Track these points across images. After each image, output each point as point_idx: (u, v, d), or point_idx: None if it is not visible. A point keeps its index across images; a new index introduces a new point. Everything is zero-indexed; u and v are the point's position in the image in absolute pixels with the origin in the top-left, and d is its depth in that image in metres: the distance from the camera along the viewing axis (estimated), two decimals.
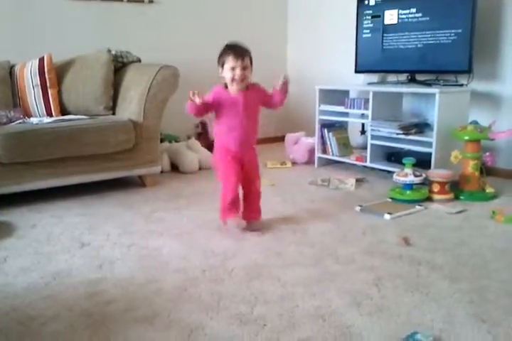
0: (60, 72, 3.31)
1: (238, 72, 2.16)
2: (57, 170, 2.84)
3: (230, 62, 2.16)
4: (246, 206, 2.36)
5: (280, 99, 2.30)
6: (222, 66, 2.21)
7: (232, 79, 2.17)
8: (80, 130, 2.85)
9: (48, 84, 3.20)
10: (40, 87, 3.18)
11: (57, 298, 1.69)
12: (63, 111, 3.25)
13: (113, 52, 3.38)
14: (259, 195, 2.39)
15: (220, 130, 2.31)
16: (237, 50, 2.18)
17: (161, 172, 3.34)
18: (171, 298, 1.68)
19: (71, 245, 2.19)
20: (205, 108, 2.23)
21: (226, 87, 2.23)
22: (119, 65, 3.40)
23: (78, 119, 2.98)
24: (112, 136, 2.94)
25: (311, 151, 3.75)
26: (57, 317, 1.56)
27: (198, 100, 2.16)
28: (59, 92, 3.26)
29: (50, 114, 3.18)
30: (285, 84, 2.25)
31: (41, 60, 3.21)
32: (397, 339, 1.41)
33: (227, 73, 2.18)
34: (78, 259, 2.03)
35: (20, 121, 2.94)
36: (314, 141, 3.73)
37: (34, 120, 2.95)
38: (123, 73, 3.34)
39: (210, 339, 1.43)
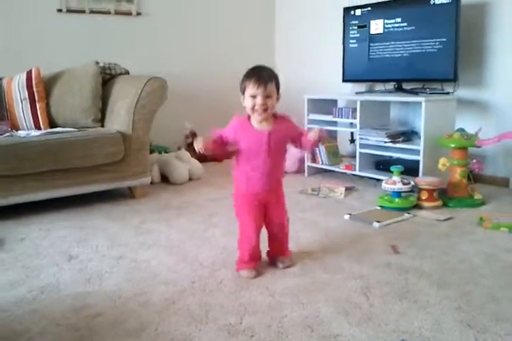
0: (48, 85, 3.31)
1: (260, 101, 1.81)
2: (46, 183, 2.83)
3: (250, 88, 1.83)
4: (274, 247, 2.07)
5: (310, 147, 1.97)
6: (244, 93, 1.87)
7: (253, 109, 1.84)
8: (68, 143, 2.85)
9: (36, 98, 3.20)
10: (28, 100, 3.18)
11: (44, 312, 1.68)
12: (51, 124, 3.25)
13: (101, 65, 3.40)
14: (288, 234, 2.07)
15: (240, 171, 1.94)
16: (260, 75, 1.83)
17: (151, 183, 3.33)
18: (159, 311, 1.67)
19: (59, 258, 2.18)
20: (222, 146, 1.93)
21: (249, 118, 1.90)
22: (107, 77, 3.41)
23: (66, 132, 2.98)
24: (100, 148, 2.94)
25: (301, 160, 3.77)
26: (45, 332, 1.55)
27: (200, 147, 1.89)
28: (47, 105, 3.26)
29: (38, 127, 3.18)
30: (319, 138, 1.91)
31: (29, 73, 3.22)
32: None
33: (247, 102, 1.85)
34: (66, 272, 2.02)
35: (8, 134, 2.93)
36: None
37: (22, 133, 2.94)
38: (111, 85, 3.34)
39: None
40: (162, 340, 1.49)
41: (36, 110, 3.19)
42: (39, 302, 1.76)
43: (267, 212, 1.98)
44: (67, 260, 2.16)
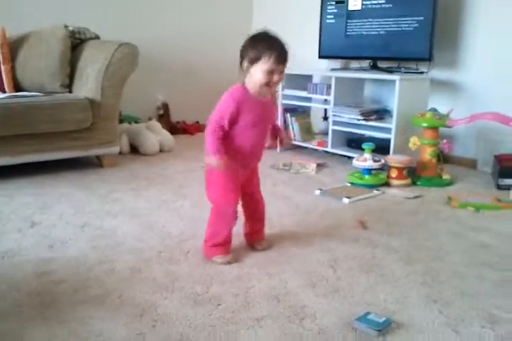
0: (14, 47, 3.18)
1: (277, 77, 1.65)
2: (10, 148, 2.74)
3: (270, 63, 1.62)
4: (254, 227, 1.94)
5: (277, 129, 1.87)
6: (253, 63, 1.65)
7: (267, 85, 1.67)
8: (33, 107, 2.75)
9: (0, 59, 3.06)
10: None
11: (4, 277, 1.63)
12: (17, 87, 3.13)
13: (70, 28, 3.26)
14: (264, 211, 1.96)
15: (231, 145, 1.73)
16: (283, 50, 1.66)
17: (120, 153, 3.27)
18: (124, 279, 1.64)
19: (22, 225, 2.12)
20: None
21: (245, 88, 1.72)
22: (77, 42, 3.28)
23: (32, 96, 2.87)
24: (67, 114, 2.85)
25: None
26: (4, 297, 1.50)
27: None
28: (12, 68, 3.13)
29: (2, 90, 3.05)
30: (285, 139, 1.89)
31: None
32: (350, 320, 1.41)
33: (259, 75, 1.64)
34: (29, 239, 1.96)
35: None
36: None
37: None
38: (80, 50, 3.22)
39: (163, 319, 1.40)
40: (126, 307, 1.46)
41: (1, 72, 3.06)
42: None
43: (247, 188, 1.85)
44: (30, 226, 2.10)
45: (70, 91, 3.14)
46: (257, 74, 1.65)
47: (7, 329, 1.36)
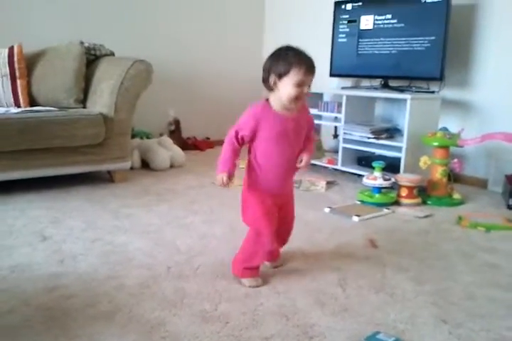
0: (30, 62, 3.24)
1: (306, 90, 1.62)
2: (23, 162, 2.77)
3: (299, 75, 1.60)
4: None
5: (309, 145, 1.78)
6: (281, 77, 1.62)
7: (296, 98, 1.62)
8: (48, 122, 2.79)
9: (17, 74, 3.12)
10: (8, 76, 3.10)
11: (14, 291, 1.64)
12: (32, 102, 3.17)
13: (86, 45, 3.32)
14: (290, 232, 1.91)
15: (259, 161, 1.71)
16: (311, 63, 1.64)
17: (131, 168, 3.29)
18: (133, 294, 1.64)
19: (33, 239, 2.13)
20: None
21: (268, 104, 1.68)
22: (92, 58, 3.34)
23: (47, 111, 2.91)
24: (81, 129, 2.88)
25: None
26: (13, 311, 1.51)
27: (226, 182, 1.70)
28: (28, 83, 3.18)
29: (18, 105, 3.10)
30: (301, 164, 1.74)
31: (11, 50, 3.13)
32: (360, 339, 1.40)
33: (287, 88, 1.60)
34: (39, 253, 1.98)
35: None
36: None
37: (1, 110, 2.87)
38: (95, 66, 3.28)
39: (172, 336, 1.40)
40: (135, 324, 1.46)
41: (17, 87, 3.11)
42: (9, 281, 1.72)
43: (281, 213, 1.79)
44: (41, 241, 2.11)
45: (85, 107, 3.19)
46: (286, 87, 1.61)
47: None
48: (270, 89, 1.65)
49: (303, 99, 1.65)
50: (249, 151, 1.74)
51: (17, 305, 1.55)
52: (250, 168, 1.74)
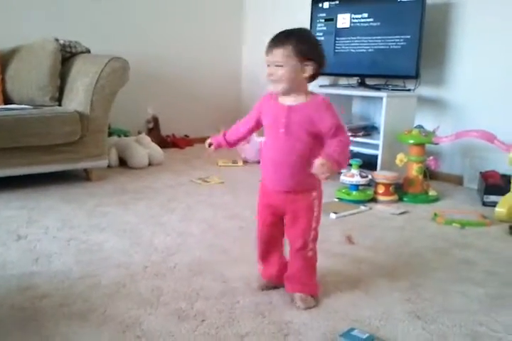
0: (4, 59, 3.19)
1: (269, 69, 1.51)
2: None
3: (265, 55, 1.52)
4: (287, 272, 1.67)
5: (334, 151, 1.48)
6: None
7: (271, 80, 1.52)
8: (22, 120, 2.75)
9: None
10: None
11: None
12: (6, 100, 3.13)
13: (61, 42, 3.27)
14: (309, 265, 1.64)
15: (262, 152, 1.66)
16: (273, 39, 1.52)
17: (108, 166, 3.26)
18: (109, 294, 1.63)
19: (7, 238, 2.10)
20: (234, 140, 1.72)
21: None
22: (67, 55, 3.29)
23: (21, 109, 2.87)
24: (56, 127, 2.85)
25: (261, 150, 3.74)
26: None
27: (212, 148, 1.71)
28: (2, 81, 3.14)
29: None
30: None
31: None
32: (334, 335, 1.42)
33: None
34: (13, 252, 1.95)
35: None
36: None
37: None
38: (71, 63, 3.23)
39: (147, 335, 1.39)
40: (110, 323, 1.45)
41: None
42: None
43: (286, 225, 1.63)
44: (15, 240, 2.08)
45: (60, 105, 3.15)
46: None
47: None
48: None
49: (279, 81, 1.49)
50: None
51: None
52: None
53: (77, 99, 3.03)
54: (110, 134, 3.54)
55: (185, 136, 4.44)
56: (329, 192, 2.96)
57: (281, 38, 1.50)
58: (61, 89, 3.19)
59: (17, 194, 2.76)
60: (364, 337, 1.39)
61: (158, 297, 1.62)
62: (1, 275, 1.74)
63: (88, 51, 3.41)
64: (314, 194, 1.62)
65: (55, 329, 1.41)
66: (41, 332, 1.39)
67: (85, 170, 3.14)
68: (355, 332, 1.41)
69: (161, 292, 1.65)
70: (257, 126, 1.65)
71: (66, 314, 1.50)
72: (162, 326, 1.44)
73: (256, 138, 3.83)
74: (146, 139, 3.74)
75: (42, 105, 3.06)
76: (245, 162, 3.78)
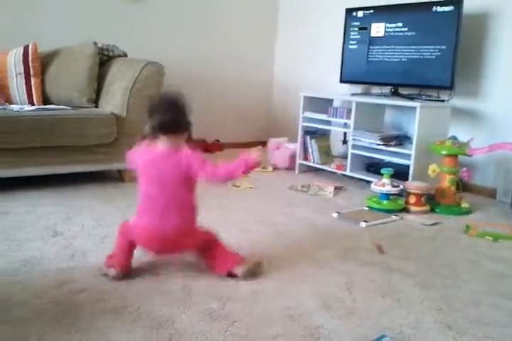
0: (45, 61, 3.28)
1: None
2: (34, 159, 2.80)
3: None
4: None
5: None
6: None
7: None
8: (61, 120, 2.83)
9: (31, 73, 3.16)
10: (23, 74, 3.15)
11: (26, 284, 1.66)
12: (45, 100, 3.22)
13: (99, 45, 3.36)
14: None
15: None
16: None
17: None
18: (143, 291, 1.66)
19: (44, 234, 2.16)
20: None
21: None
22: (105, 59, 3.38)
23: (60, 109, 2.95)
24: (93, 128, 2.92)
25: (293, 157, 3.77)
26: (25, 304, 1.54)
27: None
28: (42, 82, 3.23)
29: (31, 103, 3.15)
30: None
31: (26, 49, 3.18)
32: None
33: None
34: (50, 248, 2.00)
35: (1, 107, 2.89)
36: (296, 147, 3.75)
37: (15, 107, 2.91)
38: (108, 67, 3.31)
39: (179, 333, 1.42)
40: (144, 320, 1.48)
41: (31, 85, 3.16)
42: (21, 274, 1.75)
43: None
44: (52, 236, 2.14)
45: (97, 107, 3.22)
46: None
47: (28, 334, 1.39)
48: None
49: None
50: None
51: (29, 298, 1.57)
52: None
53: (113, 101, 3.10)
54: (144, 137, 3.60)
55: (216, 140, 4.48)
56: (358, 201, 2.96)
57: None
58: (98, 92, 3.26)
59: (53, 192, 2.83)
60: None
61: (190, 296, 1.64)
62: (39, 270, 1.79)
63: (125, 55, 3.49)
64: None
65: (90, 323, 1.45)
66: (78, 326, 1.43)
67: (119, 171, 3.20)
68: (386, 339, 1.41)
69: (193, 291, 1.68)
70: None
71: (101, 309, 1.53)
72: (194, 325, 1.47)
73: (287, 145, 3.85)
74: None
75: (79, 106, 3.13)
76: (275, 168, 3.79)
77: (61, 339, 1.36)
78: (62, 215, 2.43)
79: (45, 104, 3.14)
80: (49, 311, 1.50)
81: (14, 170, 2.75)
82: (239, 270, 1.78)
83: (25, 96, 3.15)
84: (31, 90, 3.16)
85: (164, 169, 1.72)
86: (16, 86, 3.14)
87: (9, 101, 3.11)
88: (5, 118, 2.68)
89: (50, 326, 1.42)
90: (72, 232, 2.20)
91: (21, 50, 3.18)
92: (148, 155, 1.76)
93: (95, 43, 3.34)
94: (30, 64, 3.16)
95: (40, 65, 3.20)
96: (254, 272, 1.81)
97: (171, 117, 1.73)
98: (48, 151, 2.83)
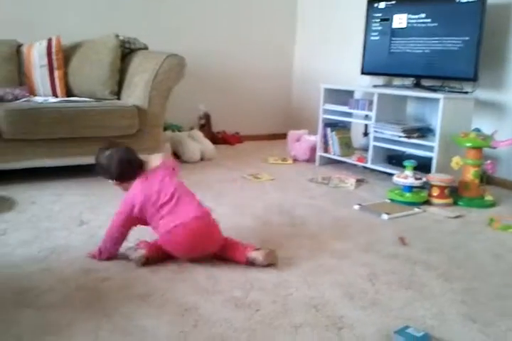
0: (68, 54, 3.32)
1: None
2: (58, 150, 2.85)
3: None
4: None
5: None
6: None
7: None
8: (84, 112, 2.86)
9: (54, 65, 3.20)
10: (47, 67, 3.19)
11: (53, 271, 1.70)
12: (68, 93, 3.25)
13: (121, 38, 3.38)
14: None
15: None
16: None
17: None
18: (167, 279, 1.69)
19: (70, 223, 2.21)
20: None
21: None
22: (127, 51, 3.40)
23: (83, 101, 2.99)
24: (115, 120, 2.95)
25: (313, 149, 3.76)
26: (53, 290, 1.57)
27: None
28: (65, 74, 3.26)
29: (55, 95, 3.19)
30: None
31: (49, 41, 3.22)
32: (389, 332, 1.42)
33: None
34: (76, 236, 2.05)
35: (26, 99, 2.94)
36: (316, 139, 3.74)
37: (39, 99, 2.95)
38: (129, 59, 3.34)
39: (204, 319, 1.44)
40: (169, 306, 1.50)
41: (54, 77, 3.20)
42: (49, 262, 1.79)
43: None
44: (78, 225, 2.18)
45: (119, 99, 3.25)
46: None
47: (57, 319, 1.42)
48: None
49: None
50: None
51: (57, 285, 1.61)
52: None
53: (135, 94, 3.12)
54: (165, 129, 3.63)
55: (236, 133, 4.49)
56: (380, 193, 2.95)
57: None
58: (120, 84, 3.29)
59: (77, 182, 2.87)
60: (419, 335, 1.39)
61: (214, 285, 1.66)
62: (66, 258, 1.83)
63: (146, 48, 3.51)
64: None
65: (116, 309, 1.48)
66: (104, 312, 1.46)
67: None
68: (410, 330, 1.41)
69: (216, 280, 1.70)
70: None
71: (127, 296, 1.56)
72: (219, 312, 1.48)
73: (307, 137, 3.85)
74: (199, 135, 3.81)
75: (102, 98, 3.17)
76: (295, 160, 3.79)
77: (89, 324, 1.39)
78: (88, 205, 2.47)
79: (68, 96, 3.18)
80: (76, 297, 1.54)
81: (39, 161, 2.80)
82: (256, 255, 1.81)
83: (49, 88, 3.19)
84: (54, 82, 3.20)
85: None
86: (40, 78, 3.19)
87: (33, 93, 3.15)
88: (29, 109, 2.73)
89: (77, 311, 1.46)
90: (97, 221, 2.23)
91: (45, 42, 3.22)
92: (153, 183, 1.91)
93: (117, 36, 3.37)
94: (54, 56, 3.20)
95: (63, 57, 3.24)
96: (270, 257, 1.84)
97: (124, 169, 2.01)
98: (72, 142, 2.87)
